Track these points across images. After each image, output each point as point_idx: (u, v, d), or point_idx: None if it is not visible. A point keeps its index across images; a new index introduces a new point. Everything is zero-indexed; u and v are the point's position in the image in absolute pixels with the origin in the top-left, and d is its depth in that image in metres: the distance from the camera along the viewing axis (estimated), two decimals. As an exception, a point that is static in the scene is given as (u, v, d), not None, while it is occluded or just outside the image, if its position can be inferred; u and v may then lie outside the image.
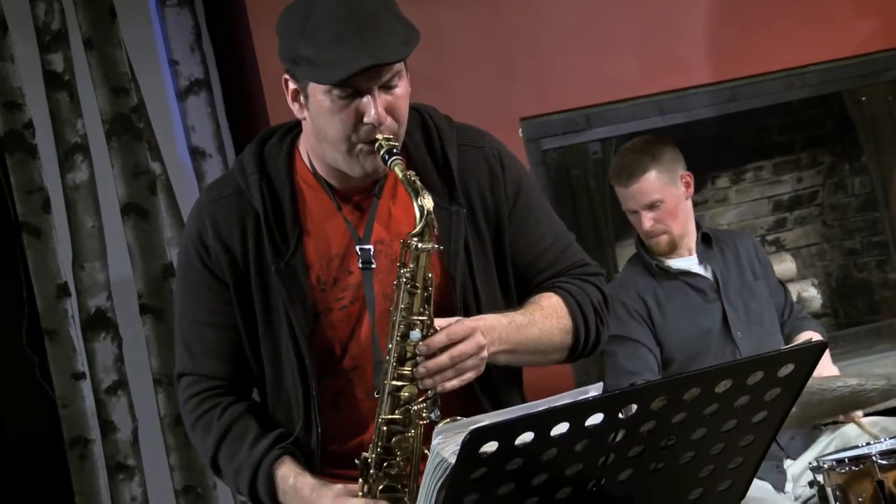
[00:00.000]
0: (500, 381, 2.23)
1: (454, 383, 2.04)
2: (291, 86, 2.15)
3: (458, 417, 1.99)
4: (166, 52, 4.20)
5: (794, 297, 4.71)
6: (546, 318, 2.20)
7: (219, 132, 4.21)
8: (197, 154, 4.19)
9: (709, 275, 3.49)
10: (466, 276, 2.19)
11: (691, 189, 3.51)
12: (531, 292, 2.26)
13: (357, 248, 2.17)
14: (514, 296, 2.27)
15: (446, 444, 1.69)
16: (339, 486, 2.12)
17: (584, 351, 2.27)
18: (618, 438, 1.68)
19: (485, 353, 2.07)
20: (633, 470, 1.74)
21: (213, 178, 4.08)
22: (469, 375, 2.06)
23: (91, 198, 4.07)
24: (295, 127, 2.27)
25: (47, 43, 4.03)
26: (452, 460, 1.65)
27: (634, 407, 1.64)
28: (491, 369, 2.16)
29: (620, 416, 1.65)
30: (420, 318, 2.04)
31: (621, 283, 3.53)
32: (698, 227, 3.56)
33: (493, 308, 2.20)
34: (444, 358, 2.03)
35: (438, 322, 2.06)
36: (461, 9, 4.08)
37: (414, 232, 2.04)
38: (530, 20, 4.13)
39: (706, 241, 3.54)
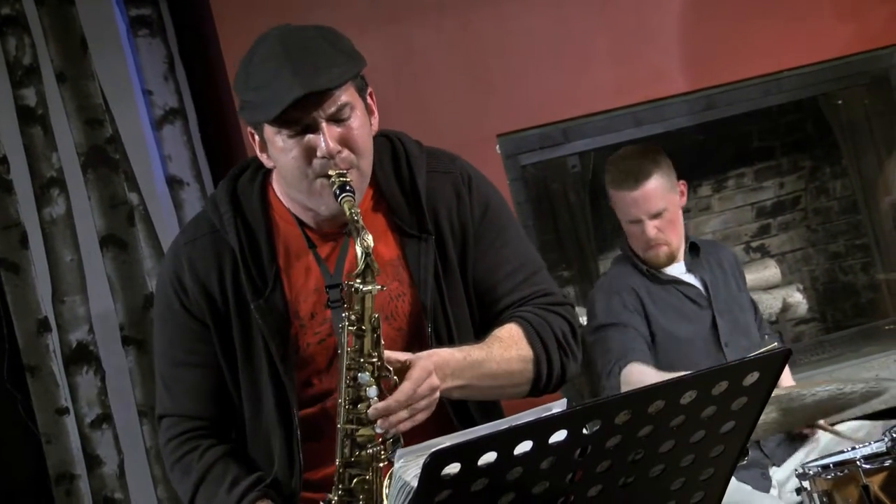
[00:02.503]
0: (477, 414, 2.22)
1: (407, 425, 2.03)
2: (256, 138, 2.17)
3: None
4: (140, 82, 4.19)
5: (780, 303, 4.72)
6: (505, 350, 2.17)
7: (195, 160, 4.21)
8: (174, 183, 4.18)
9: (698, 283, 3.47)
10: (437, 303, 2.18)
11: (685, 198, 3.49)
12: (492, 320, 2.23)
13: (326, 287, 2.17)
14: (477, 321, 2.24)
15: (408, 468, 1.67)
16: None
17: (548, 383, 2.23)
18: (584, 454, 1.66)
19: (436, 395, 2.05)
20: (602, 486, 1.71)
21: (192, 206, 4.12)
22: (421, 416, 2.04)
23: (69, 231, 4.05)
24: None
25: (19, 78, 4.02)
26: (414, 483, 1.63)
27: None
28: (469, 403, 2.16)
29: (585, 431, 1.63)
30: (370, 359, 2.03)
31: (614, 277, 3.50)
32: (686, 237, 3.54)
33: (464, 335, 2.19)
34: (403, 413, 2.01)
35: (390, 357, 2.04)
36: (435, 27, 4.08)
37: (356, 273, 2.02)
38: (503, 36, 4.12)
39: (693, 250, 3.52)
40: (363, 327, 2.03)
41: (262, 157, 2.17)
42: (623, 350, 3.28)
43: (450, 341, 2.17)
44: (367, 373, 2.02)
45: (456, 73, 4.08)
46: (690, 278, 3.49)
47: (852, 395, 2.73)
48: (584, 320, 3.49)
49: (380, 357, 2.04)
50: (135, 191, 4.14)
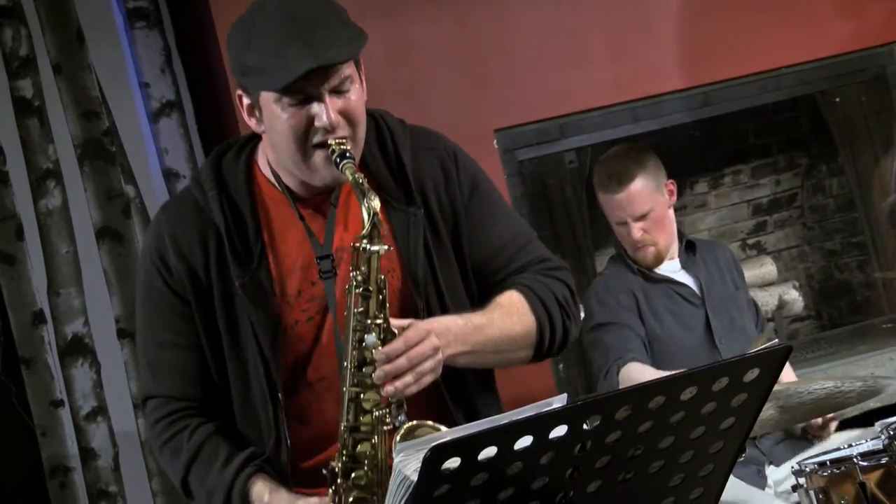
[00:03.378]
0: (471, 386, 2.21)
1: (413, 388, 2.02)
2: (245, 101, 2.15)
3: (427, 422, 2.00)
4: (137, 75, 4.17)
5: (776, 301, 4.72)
6: (506, 316, 2.18)
7: (192, 153, 4.19)
8: (171, 176, 4.17)
9: (692, 283, 3.47)
10: (428, 276, 2.18)
11: (674, 197, 3.49)
12: (492, 291, 2.23)
13: (316, 258, 2.16)
14: (476, 295, 2.25)
15: (408, 462, 1.67)
16: (313, 500, 2.10)
17: (551, 348, 2.25)
18: (584, 450, 1.66)
19: (440, 356, 2.05)
20: (601, 481, 1.71)
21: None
22: (427, 378, 2.03)
23: (65, 223, 4.04)
24: (251, 140, 2.26)
25: (15, 69, 4.01)
26: (414, 478, 1.62)
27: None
28: (462, 375, 2.15)
29: (585, 426, 1.63)
30: (376, 321, 2.03)
31: (609, 277, 3.51)
32: (681, 235, 3.53)
33: (459, 308, 2.19)
34: (402, 361, 2.00)
35: (394, 323, 2.05)
36: (433, 21, 4.07)
37: (362, 234, 2.03)
38: (501, 31, 4.12)
39: (689, 248, 3.51)
40: (370, 288, 2.03)
41: (251, 122, 2.16)
42: (620, 349, 3.29)
43: (442, 313, 2.16)
44: (374, 334, 2.01)
45: (453, 67, 4.08)
46: (684, 277, 3.48)
47: (850, 393, 2.73)
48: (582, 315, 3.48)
49: (385, 319, 2.03)
50: (131, 183, 4.12)
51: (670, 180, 3.48)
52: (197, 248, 2.18)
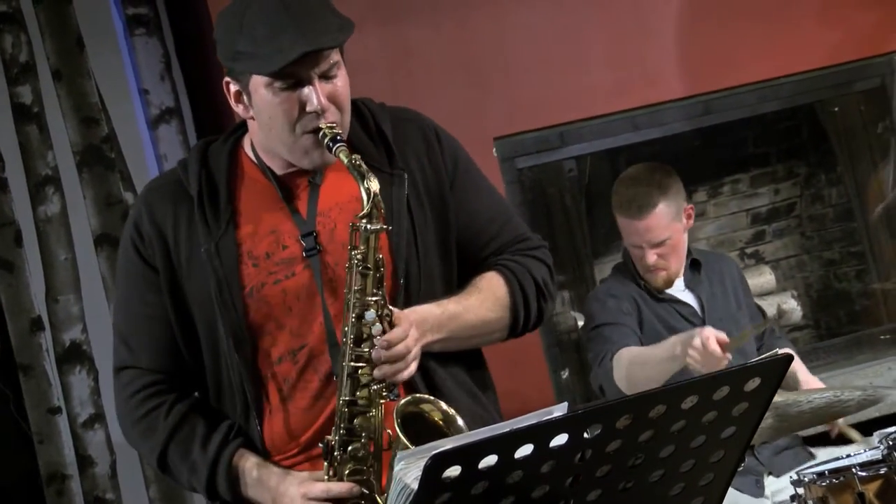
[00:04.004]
0: (449, 376, 2.25)
1: (404, 375, 2.09)
2: (233, 88, 2.18)
3: (423, 395, 2.09)
4: (136, 81, 4.18)
5: (775, 310, 4.71)
6: (482, 301, 2.24)
7: (191, 160, 4.19)
8: (169, 183, 4.17)
9: (693, 302, 3.45)
10: (410, 238, 2.21)
11: (692, 221, 3.44)
12: (474, 269, 2.28)
13: (301, 235, 2.18)
14: (454, 266, 2.28)
15: (409, 470, 1.67)
16: (304, 473, 2.15)
17: (525, 328, 2.32)
18: (584, 458, 1.65)
19: (419, 350, 2.12)
20: (601, 490, 1.71)
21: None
22: (412, 368, 2.11)
23: (63, 230, 4.04)
24: (238, 128, 2.30)
25: (15, 75, 4.01)
26: (415, 486, 1.62)
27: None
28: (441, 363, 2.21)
29: (586, 435, 1.62)
30: (374, 298, 2.08)
31: (613, 285, 3.49)
32: (688, 252, 3.49)
33: (431, 271, 2.23)
34: (400, 348, 2.08)
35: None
36: (432, 27, 4.07)
37: (362, 214, 2.08)
38: (501, 39, 4.12)
39: (694, 267, 3.48)
40: (368, 266, 2.08)
41: (238, 108, 2.19)
42: (617, 342, 3.28)
43: (419, 278, 2.20)
44: (373, 310, 2.07)
45: (453, 74, 4.08)
46: (687, 296, 3.46)
47: (849, 402, 2.73)
48: (580, 323, 3.48)
49: (382, 296, 2.09)
50: (130, 190, 4.13)
51: (689, 205, 3.43)
52: (169, 217, 2.22)
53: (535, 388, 4.00)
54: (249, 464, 2.18)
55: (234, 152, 2.27)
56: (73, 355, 4.02)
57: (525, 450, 1.60)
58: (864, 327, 4.68)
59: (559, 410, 1.74)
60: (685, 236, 3.45)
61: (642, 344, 3.33)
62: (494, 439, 1.58)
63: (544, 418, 1.67)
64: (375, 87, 3.94)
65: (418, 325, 2.13)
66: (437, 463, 1.55)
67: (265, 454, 2.21)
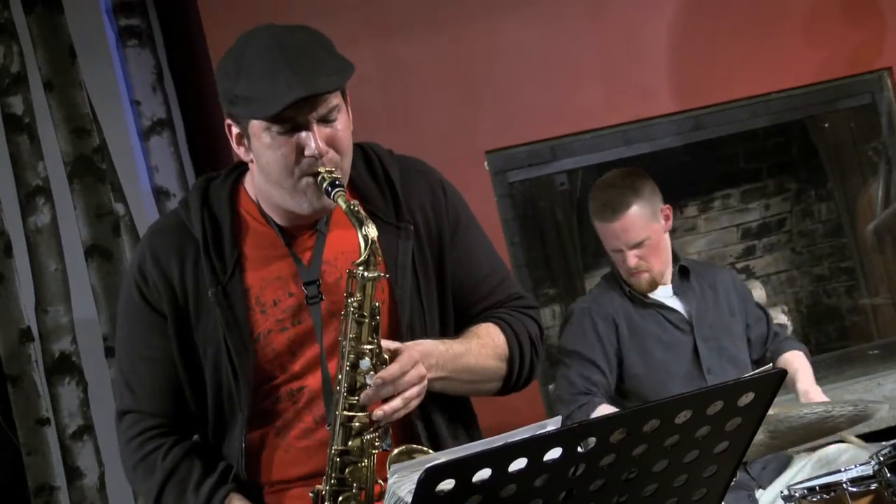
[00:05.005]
0: (442, 419, 2.24)
1: (402, 413, 2.08)
2: (235, 130, 2.18)
3: (413, 445, 2.06)
4: (128, 92, 4.18)
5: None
6: (482, 347, 2.23)
7: (182, 172, 4.19)
8: (161, 194, 4.17)
9: (682, 309, 3.46)
10: (413, 291, 2.21)
11: (670, 222, 3.47)
12: (469, 321, 2.28)
13: (303, 283, 2.18)
14: (451, 320, 2.28)
15: (402, 483, 1.66)
16: None
17: (518, 382, 2.31)
18: (578, 472, 1.65)
19: (425, 383, 2.11)
20: (594, 504, 1.71)
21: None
22: (413, 404, 2.10)
23: (54, 240, 4.03)
24: (238, 167, 2.29)
25: (6, 86, 4.00)
26: (409, 499, 1.62)
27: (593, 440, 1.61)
28: (434, 406, 2.19)
29: (580, 449, 1.62)
30: (368, 346, 2.07)
31: (595, 300, 3.50)
32: (676, 258, 3.52)
33: (434, 325, 2.23)
34: (389, 388, 2.06)
35: (384, 345, 2.09)
36: (424, 43, 4.08)
37: (359, 261, 2.07)
38: (493, 53, 4.13)
39: (683, 273, 3.50)
40: (364, 314, 2.07)
41: (239, 151, 2.19)
42: (583, 387, 3.33)
43: (423, 332, 2.20)
44: (367, 359, 2.06)
45: (445, 88, 4.08)
46: (675, 303, 3.47)
47: (840, 417, 2.73)
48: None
49: (378, 345, 2.08)
50: (121, 201, 4.12)
51: (666, 205, 3.46)
52: (174, 260, 2.21)
53: (525, 402, 3.99)
54: None
55: (234, 192, 2.25)
56: (63, 366, 4.00)
57: (519, 463, 1.59)
58: (854, 343, 4.69)
59: (553, 424, 1.74)
60: (666, 237, 3.47)
61: (610, 379, 3.35)
62: (488, 453, 1.58)
63: (538, 432, 1.67)
64: (369, 101, 3.97)
65: (424, 357, 2.12)
66: (431, 476, 1.54)
67: (260, 488, 2.20)
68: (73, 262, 4.04)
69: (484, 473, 1.58)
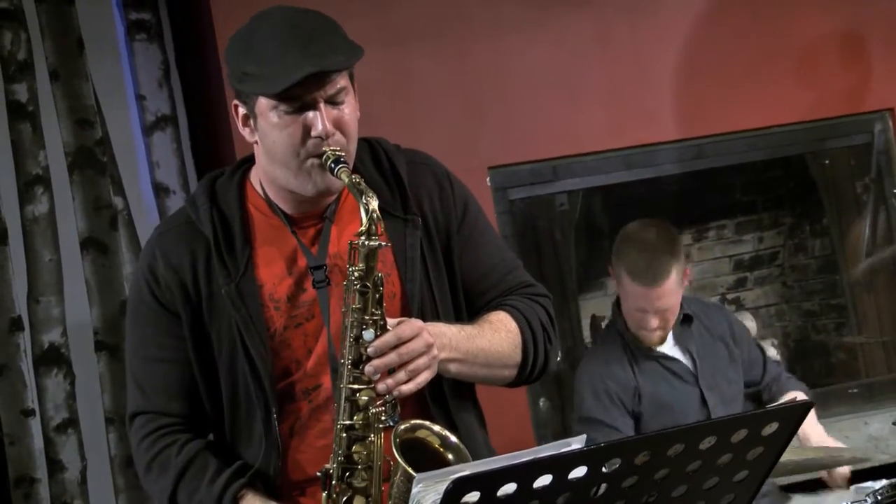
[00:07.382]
0: (450, 392, 2.21)
1: (410, 386, 2.03)
2: (241, 111, 2.17)
3: (420, 420, 2.02)
4: (134, 87, 4.16)
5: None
6: (495, 331, 2.21)
7: (183, 169, 4.17)
8: (160, 190, 4.15)
9: (685, 358, 3.41)
10: (424, 283, 2.20)
11: (687, 282, 3.41)
12: (479, 311, 2.27)
13: (310, 268, 2.17)
14: (463, 312, 2.27)
15: (426, 493, 1.66)
16: None
17: (533, 369, 2.27)
18: (599, 493, 1.65)
19: (435, 352, 2.06)
20: (612, 525, 1.70)
21: (176, 216, 4.07)
22: (423, 377, 2.04)
23: (50, 231, 3.99)
24: (244, 163, 2.28)
25: (12, 73, 3.97)
26: (432, 510, 1.62)
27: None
28: (441, 381, 2.15)
29: (604, 469, 1.62)
30: (373, 317, 2.04)
31: (605, 364, 3.40)
32: (680, 305, 3.42)
33: (448, 318, 2.21)
34: (392, 356, 2.02)
35: (390, 322, 2.06)
36: (432, 57, 4.08)
37: (360, 231, 2.05)
38: (501, 71, 4.13)
39: (686, 321, 3.44)
40: (367, 284, 2.04)
41: (245, 132, 2.18)
42: None
43: (435, 320, 2.17)
44: (371, 330, 2.02)
45: (451, 101, 4.09)
46: (676, 352, 3.42)
47: (840, 458, 2.74)
48: (558, 358, 3.46)
49: (382, 316, 2.04)
50: (120, 195, 4.09)
51: (686, 267, 3.39)
52: (186, 259, 2.19)
53: (514, 418, 3.99)
54: (252, 501, 2.14)
55: (241, 187, 2.24)
56: (51, 358, 3.97)
57: (544, 479, 1.59)
58: (839, 380, 4.71)
59: (577, 443, 1.74)
60: (681, 294, 3.40)
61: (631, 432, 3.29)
62: (515, 467, 1.58)
63: (563, 450, 1.66)
64: (374, 109, 3.94)
65: (435, 335, 2.07)
66: (458, 488, 1.54)
67: (282, 489, 2.18)
68: (68, 254, 4.01)
69: (509, 488, 1.58)
